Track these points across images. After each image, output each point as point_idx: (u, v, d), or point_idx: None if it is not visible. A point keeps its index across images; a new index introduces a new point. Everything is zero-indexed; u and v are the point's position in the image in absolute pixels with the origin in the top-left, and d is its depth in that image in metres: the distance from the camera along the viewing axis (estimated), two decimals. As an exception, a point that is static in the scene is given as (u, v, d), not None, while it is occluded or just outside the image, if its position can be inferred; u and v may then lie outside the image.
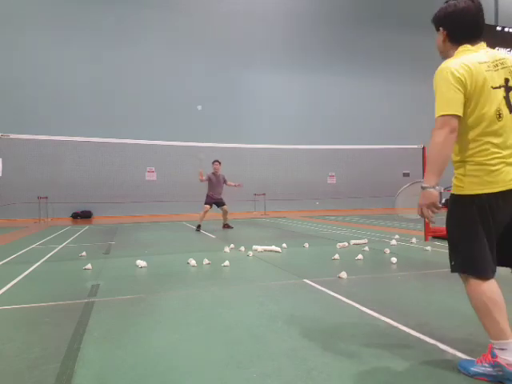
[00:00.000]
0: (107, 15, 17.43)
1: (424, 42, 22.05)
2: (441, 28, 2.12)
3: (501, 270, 2.08)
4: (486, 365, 1.96)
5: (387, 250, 6.07)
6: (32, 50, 16.52)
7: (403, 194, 3.20)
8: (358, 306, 3.27)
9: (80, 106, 16.92)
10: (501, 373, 1.91)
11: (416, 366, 2.13)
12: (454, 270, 2.07)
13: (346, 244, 6.79)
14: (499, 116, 1.93)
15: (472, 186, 1.95)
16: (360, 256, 5.54)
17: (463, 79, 1.91)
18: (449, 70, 1.93)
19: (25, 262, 5.62)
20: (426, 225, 7.53)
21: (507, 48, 23.98)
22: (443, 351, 2.34)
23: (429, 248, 6.37)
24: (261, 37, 19.48)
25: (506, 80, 1.97)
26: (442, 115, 1.90)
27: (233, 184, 10.40)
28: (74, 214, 16.70)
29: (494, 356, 1.94)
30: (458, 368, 2.09)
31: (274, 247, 6.39)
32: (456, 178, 2.04)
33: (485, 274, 1.94)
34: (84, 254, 6.22)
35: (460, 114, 1.90)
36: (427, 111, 20.45)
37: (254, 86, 19.34)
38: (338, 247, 6.57)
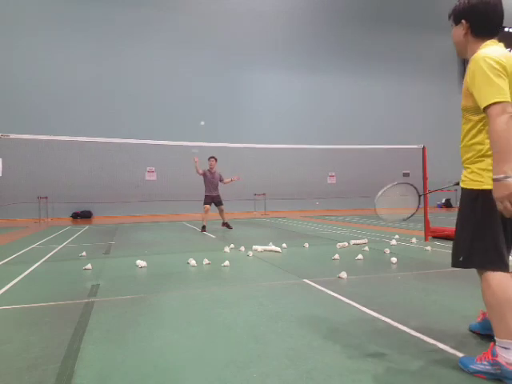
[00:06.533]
0: (107, 15, 17.44)
1: (424, 42, 22.14)
2: (463, 20, 2.07)
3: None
4: (486, 363, 1.99)
5: (387, 250, 6.07)
6: (32, 50, 16.52)
7: (384, 196, 3.14)
8: (358, 305, 3.26)
9: (80, 106, 16.92)
10: (499, 371, 1.94)
11: (416, 366, 2.13)
12: (465, 265, 2.05)
13: (346, 244, 6.79)
14: None
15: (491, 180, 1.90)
16: (360, 256, 5.53)
17: (507, 67, 1.88)
18: (491, 57, 1.89)
19: (25, 262, 5.62)
20: (426, 225, 7.53)
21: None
22: (443, 351, 2.34)
23: (429, 248, 6.37)
24: (261, 37, 19.48)
25: None
26: (497, 102, 1.81)
27: (229, 180, 10.21)
28: (74, 214, 16.71)
29: (494, 355, 1.97)
30: (459, 365, 2.11)
31: (273, 247, 6.39)
32: (473, 172, 2.03)
33: (507, 269, 1.95)
34: (84, 254, 6.22)
35: (511, 101, 1.83)
36: (427, 111, 20.48)
37: (254, 85, 19.34)
38: (337, 247, 6.57)
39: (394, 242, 7.06)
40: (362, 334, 2.63)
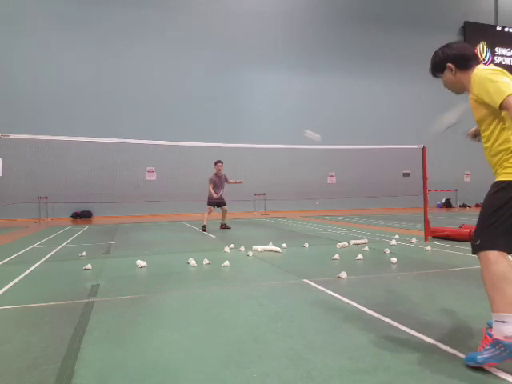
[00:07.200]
0: (107, 15, 17.44)
1: (424, 42, 22.12)
2: (448, 64, 2.28)
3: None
4: (488, 347, 2.03)
5: (387, 250, 6.07)
6: (32, 50, 16.53)
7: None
8: (358, 305, 3.27)
9: (80, 106, 16.93)
10: (503, 348, 1.98)
11: (416, 366, 2.13)
12: (478, 249, 2.12)
13: (346, 244, 6.79)
14: None
15: None
16: (360, 256, 5.53)
17: (505, 71, 2.08)
18: (487, 68, 2.13)
19: (25, 262, 5.62)
20: (426, 225, 7.54)
21: (507, 48, 23.96)
22: (443, 351, 2.34)
23: (429, 248, 6.37)
24: (261, 37, 19.49)
25: None
26: (510, 94, 1.94)
27: (234, 181, 10.66)
28: (74, 214, 16.71)
29: (491, 336, 2.03)
30: (466, 363, 2.10)
31: (273, 247, 6.39)
32: (506, 167, 2.10)
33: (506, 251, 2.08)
34: (84, 253, 6.22)
35: None
36: (427, 111, 20.45)
37: (253, 85, 19.35)
38: (337, 247, 6.57)
39: (393, 242, 7.06)
40: (362, 334, 2.63)
